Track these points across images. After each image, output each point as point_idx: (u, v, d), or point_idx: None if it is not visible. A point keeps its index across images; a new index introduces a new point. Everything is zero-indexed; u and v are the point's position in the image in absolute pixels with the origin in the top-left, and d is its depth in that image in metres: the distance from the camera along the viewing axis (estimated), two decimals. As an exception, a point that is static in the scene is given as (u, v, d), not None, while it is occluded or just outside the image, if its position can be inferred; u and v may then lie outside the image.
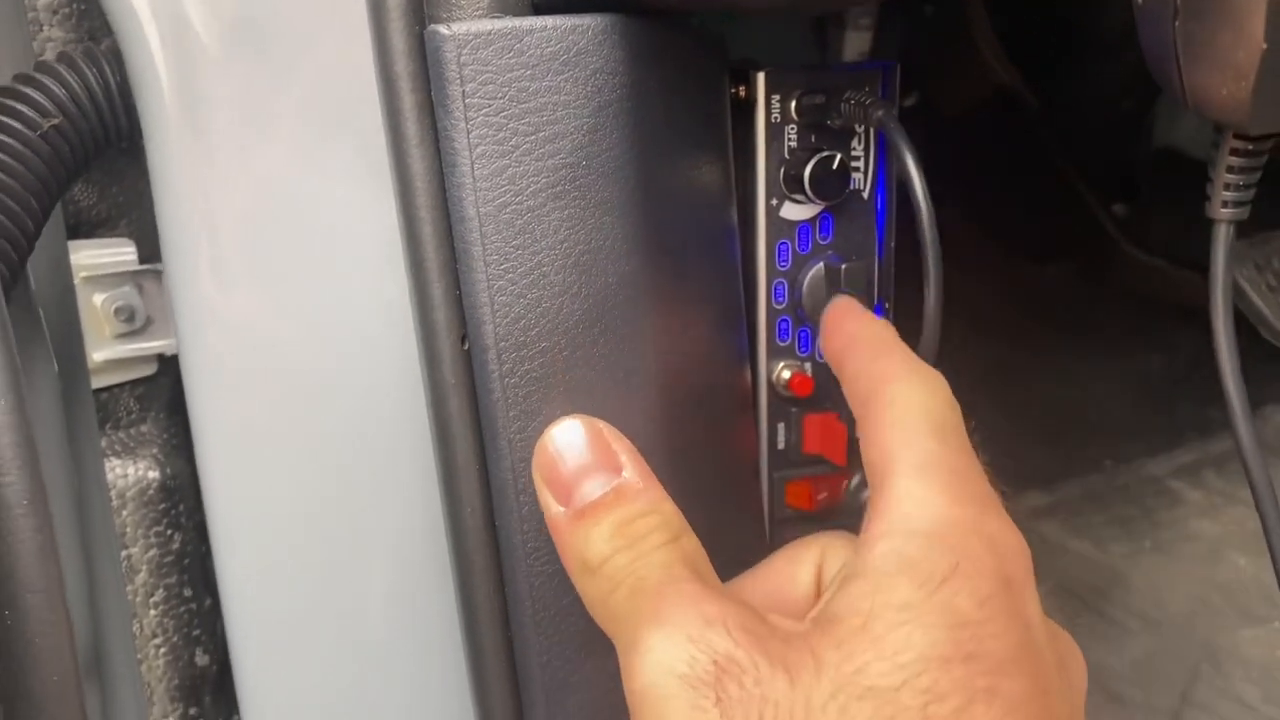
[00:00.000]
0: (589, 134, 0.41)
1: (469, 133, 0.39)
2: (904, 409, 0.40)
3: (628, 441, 0.39)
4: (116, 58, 0.49)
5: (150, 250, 0.60)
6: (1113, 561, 0.89)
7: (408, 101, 0.39)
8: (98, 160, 0.50)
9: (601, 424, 0.40)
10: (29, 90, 0.46)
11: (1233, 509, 0.93)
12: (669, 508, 0.39)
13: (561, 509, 0.38)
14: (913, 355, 0.44)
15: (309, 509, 0.48)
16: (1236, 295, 0.86)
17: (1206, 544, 0.90)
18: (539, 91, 0.40)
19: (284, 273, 0.46)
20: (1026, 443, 1.01)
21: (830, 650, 0.33)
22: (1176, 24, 0.34)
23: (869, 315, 0.49)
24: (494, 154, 0.40)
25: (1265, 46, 0.32)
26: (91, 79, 0.48)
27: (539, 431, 0.42)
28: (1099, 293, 1.09)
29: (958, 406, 0.41)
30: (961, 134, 1.09)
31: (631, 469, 0.38)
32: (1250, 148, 0.37)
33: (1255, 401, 1.20)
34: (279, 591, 0.49)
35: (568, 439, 0.39)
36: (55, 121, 0.45)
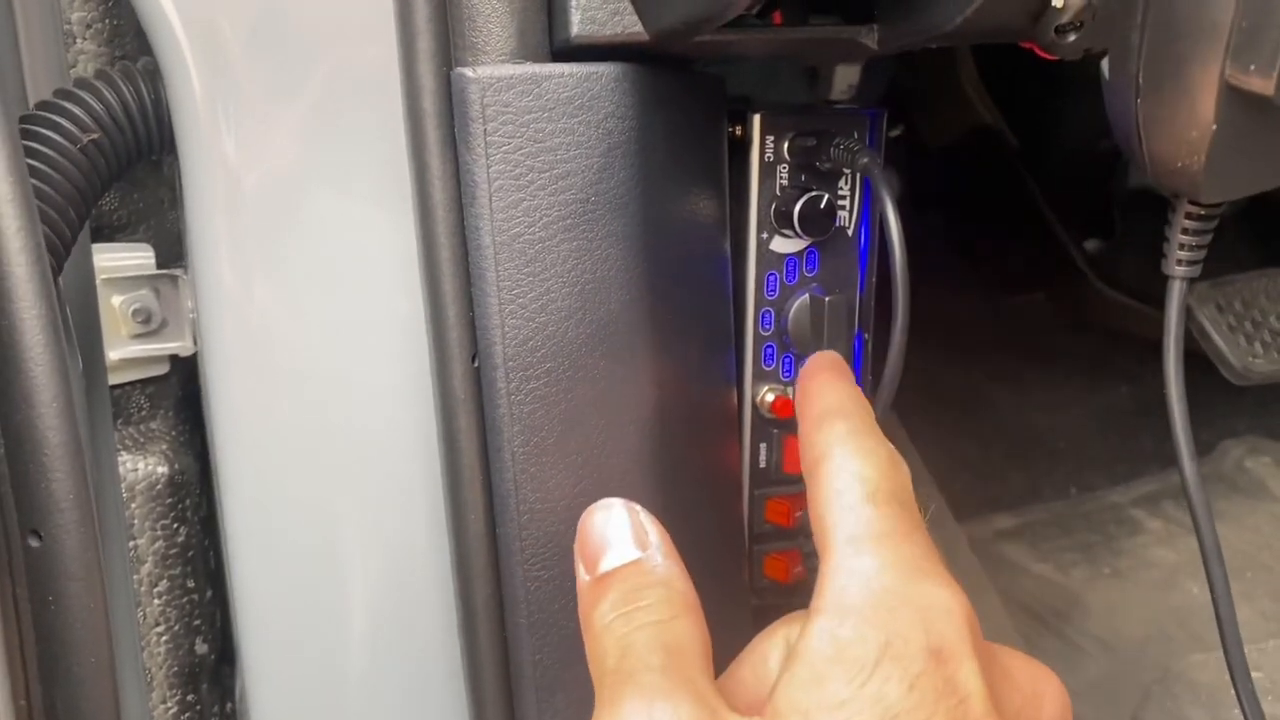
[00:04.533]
0: (599, 172, 0.44)
1: (489, 168, 0.43)
2: (841, 478, 0.41)
3: (659, 526, 0.42)
4: (151, 76, 0.52)
5: (167, 255, 0.63)
6: (1073, 585, 0.93)
7: (432, 136, 0.42)
8: (129, 172, 0.53)
9: (637, 507, 0.43)
10: (70, 105, 0.49)
11: (1189, 539, 0.96)
12: (680, 587, 0.40)
13: (587, 576, 0.41)
14: (861, 422, 0.45)
15: (318, 507, 0.51)
16: (1200, 335, 0.90)
17: (1163, 571, 0.94)
18: (555, 132, 0.43)
19: (305, 283, 0.49)
20: (997, 467, 1.05)
21: None
22: (1139, 101, 0.38)
23: (833, 377, 0.49)
24: (511, 188, 0.43)
25: (1215, 127, 0.36)
26: (128, 95, 0.50)
27: (541, 445, 0.45)
28: (1071, 324, 1.13)
29: (900, 470, 0.42)
30: (945, 165, 1.13)
31: (656, 548, 0.41)
32: (1202, 213, 0.41)
33: (1216, 436, 1.24)
34: (285, 584, 0.52)
35: (604, 516, 0.42)
36: (94, 136, 0.48)
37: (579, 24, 0.42)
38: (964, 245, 1.18)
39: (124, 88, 0.50)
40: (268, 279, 0.50)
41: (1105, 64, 0.40)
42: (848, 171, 0.58)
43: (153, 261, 0.61)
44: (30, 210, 0.35)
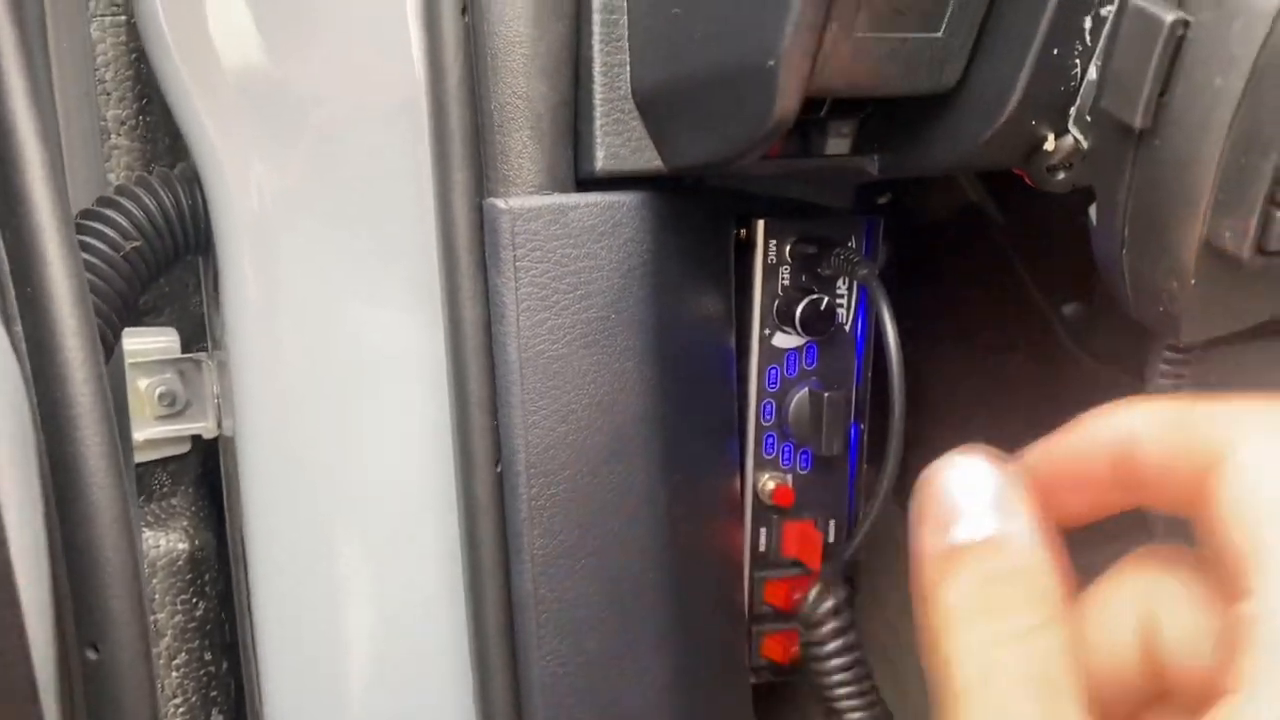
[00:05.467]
0: (618, 291, 0.47)
1: (517, 290, 0.45)
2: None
3: (1034, 494, 0.32)
4: (188, 181, 0.54)
5: (190, 338, 0.65)
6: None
7: (465, 260, 0.45)
8: (166, 272, 0.55)
9: (1010, 467, 0.32)
10: (113, 214, 0.51)
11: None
12: (1052, 583, 0.30)
13: (929, 546, 0.32)
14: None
15: (342, 592, 0.53)
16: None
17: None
18: (578, 257, 0.46)
19: (336, 381, 0.52)
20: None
21: None
22: (1123, 252, 0.41)
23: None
24: (537, 308, 0.46)
25: (1194, 281, 0.39)
26: (167, 202, 0.53)
27: (559, 547, 0.48)
28: (1052, 388, 1.17)
29: None
30: (930, 234, 1.16)
31: (1024, 522, 0.31)
32: (1180, 354, 0.44)
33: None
34: (308, 663, 0.54)
35: (961, 473, 0.32)
36: (136, 244, 0.51)
37: (603, 159, 0.45)
38: (949, 310, 1.21)
39: (163, 194, 0.53)
40: (301, 374, 0.52)
41: (1093, 211, 0.44)
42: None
43: (178, 345, 0.63)
44: (94, 343, 0.38)
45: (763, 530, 0.63)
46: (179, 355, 0.63)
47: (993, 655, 0.29)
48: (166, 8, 0.47)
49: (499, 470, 0.48)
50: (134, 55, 0.62)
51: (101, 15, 0.60)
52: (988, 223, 1.09)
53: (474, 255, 0.45)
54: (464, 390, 0.47)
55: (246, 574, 0.55)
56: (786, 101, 0.38)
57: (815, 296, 0.59)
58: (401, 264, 0.50)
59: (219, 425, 0.63)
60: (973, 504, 0.31)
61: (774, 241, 0.59)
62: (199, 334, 0.67)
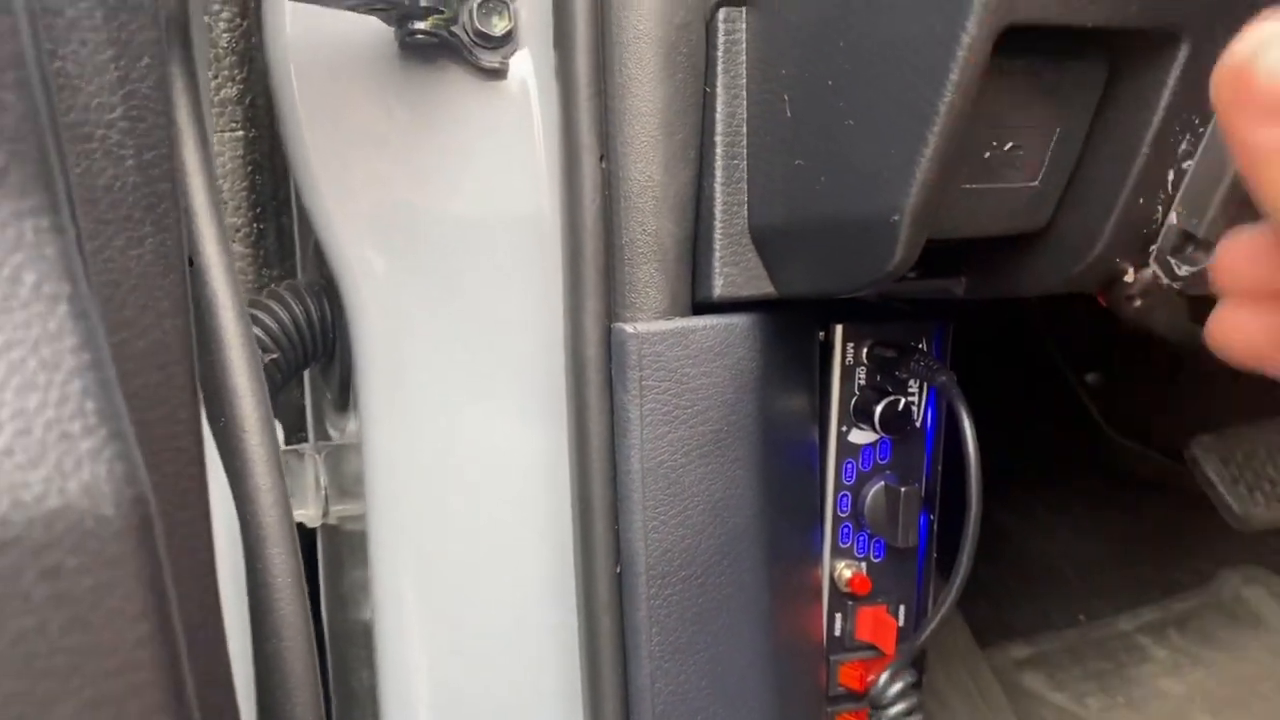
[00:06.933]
0: (731, 405, 0.51)
1: (641, 407, 0.49)
2: None
3: None
4: (314, 294, 0.58)
5: (290, 429, 0.69)
6: (1090, 716, 0.99)
7: (593, 379, 0.49)
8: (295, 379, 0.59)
9: None
10: (255, 330, 0.55)
11: (1194, 669, 1.03)
12: None
13: (1262, 140, 0.28)
14: None
15: (465, 679, 0.57)
16: (1205, 485, 0.97)
17: (1174, 703, 1.01)
18: (697, 375, 0.50)
19: (462, 477, 0.55)
20: (1011, 595, 1.12)
21: None
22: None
23: None
24: (659, 423, 0.50)
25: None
26: (299, 314, 0.57)
27: (675, 644, 0.52)
28: (1077, 453, 1.21)
29: None
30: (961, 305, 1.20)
31: None
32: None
33: (1214, 564, 1.31)
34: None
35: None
36: (274, 356, 0.54)
37: (721, 287, 0.49)
38: (979, 380, 1.25)
39: (295, 307, 0.57)
40: (431, 472, 0.56)
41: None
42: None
43: (281, 437, 0.67)
44: (279, 468, 0.42)
45: (838, 615, 0.66)
46: (283, 447, 0.67)
47: None
48: (315, 145, 0.52)
49: (619, 571, 0.51)
50: (250, 168, 0.66)
51: (222, 131, 0.65)
52: (1019, 303, 1.14)
53: (602, 374, 0.49)
54: (587, 497, 0.50)
55: (374, 653, 0.58)
56: (907, 252, 0.42)
57: (893, 398, 0.63)
58: (525, 375, 0.54)
59: (324, 514, 0.66)
60: None
61: (851, 345, 0.63)
62: (299, 425, 0.71)
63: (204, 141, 0.42)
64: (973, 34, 0.38)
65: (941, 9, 0.39)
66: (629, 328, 0.49)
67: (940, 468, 0.68)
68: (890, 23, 0.41)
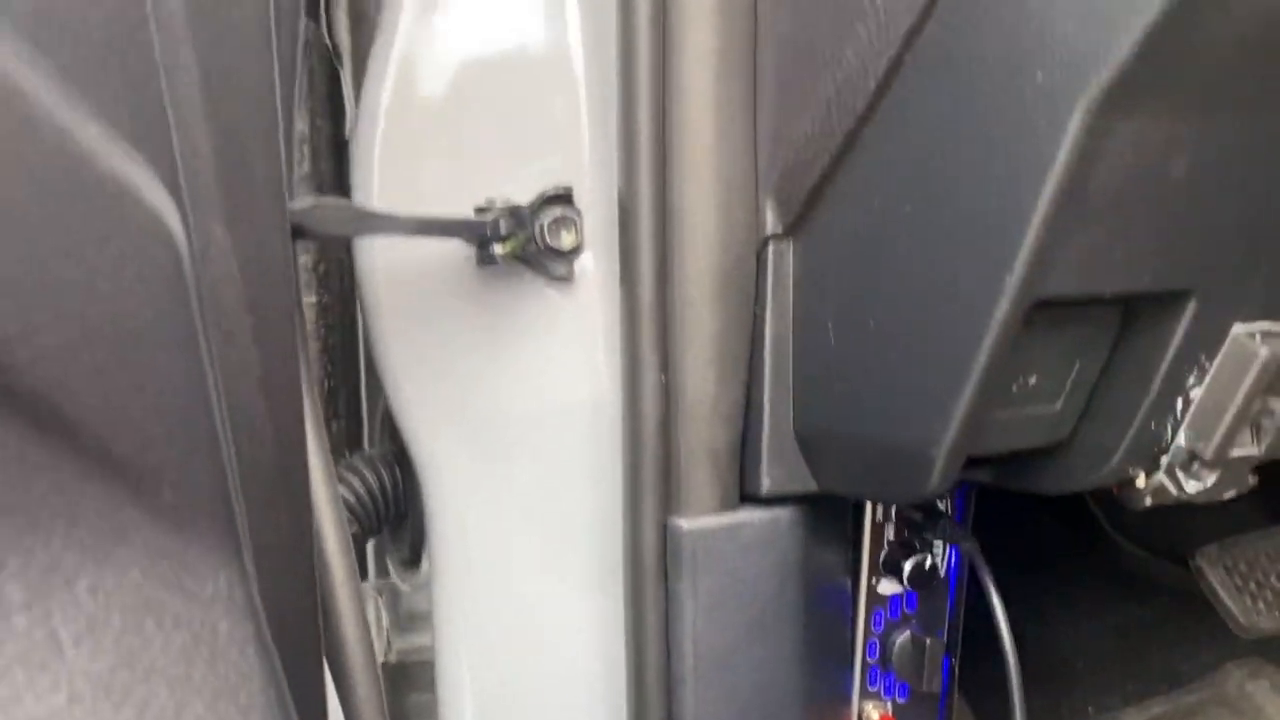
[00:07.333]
0: (776, 590, 0.56)
1: (695, 596, 0.54)
2: None
3: None
4: (388, 463, 0.63)
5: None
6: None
7: (650, 569, 0.54)
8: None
9: None
10: (332, 502, 0.60)
11: (1201, 768, 1.07)
12: None
13: None
14: None
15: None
16: (1210, 594, 1.01)
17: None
18: (746, 564, 0.55)
19: (521, 641, 0.60)
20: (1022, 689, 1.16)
21: None
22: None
23: None
24: (710, 608, 0.54)
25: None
26: (373, 484, 0.62)
27: (721, 808, 0.56)
28: (1086, 557, 1.25)
29: None
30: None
31: None
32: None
33: (1217, 657, 1.34)
34: None
35: None
36: (353, 530, 0.59)
37: (769, 485, 0.54)
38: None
39: (370, 478, 0.62)
40: (494, 630, 0.60)
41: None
42: (944, 536, 0.70)
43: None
44: (377, 673, 0.46)
45: (866, 755, 0.70)
46: (348, 587, 0.71)
47: None
48: (397, 344, 0.56)
49: (670, 744, 0.56)
50: (323, 330, 0.71)
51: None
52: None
53: (658, 565, 0.54)
54: (642, 682, 0.55)
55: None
56: (943, 479, 0.47)
57: (921, 556, 0.67)
58: (581, 554, 0.58)
59: (386, 653, 0.71)
60: None
61: (880, 505, 0.68)
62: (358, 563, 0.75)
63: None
64: (1005, 310, 0.43)
65: (976, 285, 0.43)
66: (684, 523, 0.54)
67: (962, 613, 0.72)
68: (928, 287, 0.45)
